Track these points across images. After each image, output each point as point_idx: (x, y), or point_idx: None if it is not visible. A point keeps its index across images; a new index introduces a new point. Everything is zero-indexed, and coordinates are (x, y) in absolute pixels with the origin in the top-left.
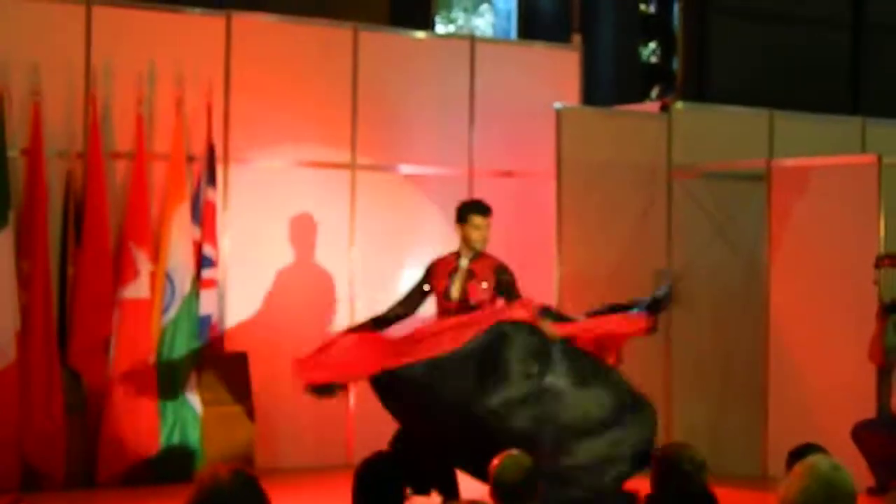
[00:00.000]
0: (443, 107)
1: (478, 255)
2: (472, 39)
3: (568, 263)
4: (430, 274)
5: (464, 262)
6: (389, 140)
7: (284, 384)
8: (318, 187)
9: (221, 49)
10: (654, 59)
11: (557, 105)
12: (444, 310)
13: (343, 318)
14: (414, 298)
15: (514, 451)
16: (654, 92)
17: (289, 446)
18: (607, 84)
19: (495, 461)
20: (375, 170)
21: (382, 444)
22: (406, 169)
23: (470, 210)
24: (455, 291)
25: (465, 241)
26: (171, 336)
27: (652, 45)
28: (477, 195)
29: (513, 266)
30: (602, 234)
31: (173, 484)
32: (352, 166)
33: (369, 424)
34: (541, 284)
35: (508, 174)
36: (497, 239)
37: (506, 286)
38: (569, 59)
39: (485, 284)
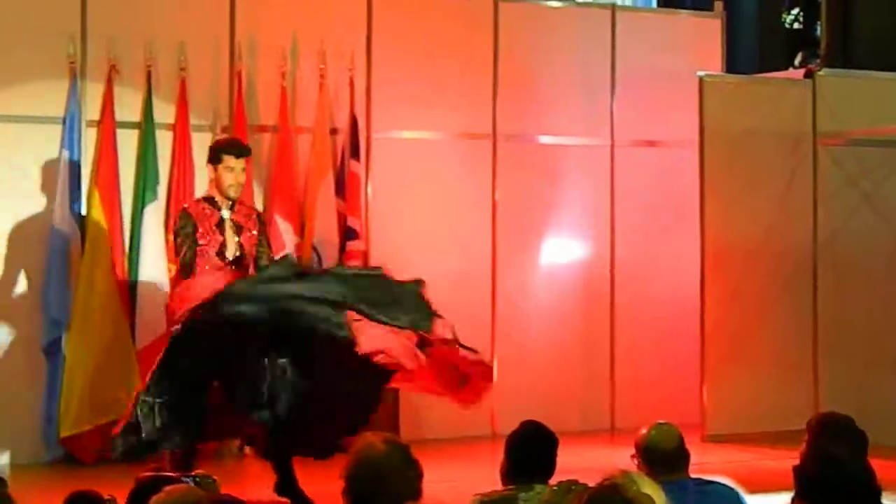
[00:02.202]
0: (584, 77)
1: (234, 203)
2: (613, 8)
3: (712, 234)
4: (194, 222)
5: (226, 214)
6: (530, 110)
7: None
8: (459, 158)
9: (363, 22)
10: (797, 26)
11: (700, 73)
12: (216, 268)
13: (485, 289)
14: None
15: (663, 420)
16: (798, 59)
17: (433, 417)
18: (750, 51)
19: (645, 429)
20: (516, 140)
21: (527, 413)
22: (547, 139)
23: (223, 150)
24: (232, 249)
25: (218, 185)
26: None
27: (795, 11)
28: (618, 165)
29: (655, 236)
30: (746, 204)
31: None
32: (493, 137)
33: (513, 394)
34: (684, 255)
35: (651, 144)
36: (640, 209)
37: (265, 235)
38: (711, 26)
39: (253, 234)
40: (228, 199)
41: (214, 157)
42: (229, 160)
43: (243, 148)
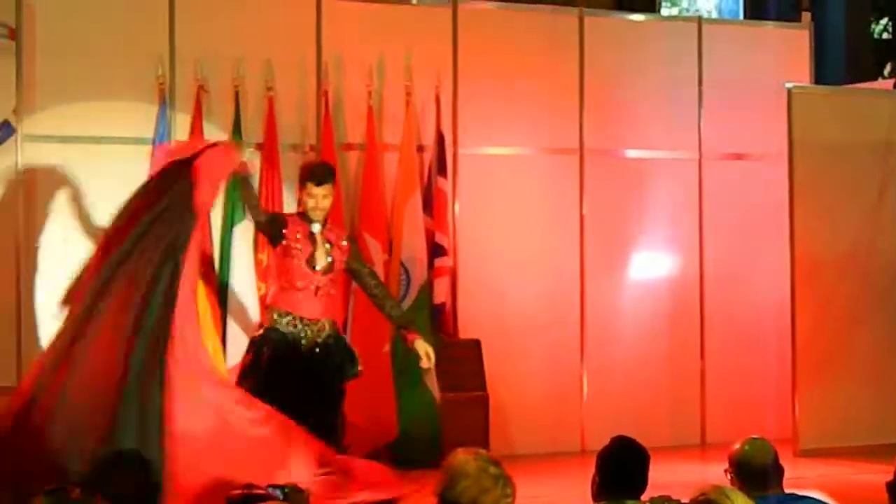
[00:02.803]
0: (670, 90)
1: (325, 223)
2: (700, 21)
3: (802, 247)
4: (284, 225)
5: (317, 228)
6: (617, 124)
7: (517, 371)
8: (546, 173)
9: (449, 38)
10: (885, 36)
11: (788, 85)
12: (302, 276)
13: (573, 304)
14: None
15: (755, 435)
16: (887, 69)
17: (522, 432)
18: (838, 62)
19: (738, 444)
20: (603, 154)
21: (616, 429)
22: (634, 153)
23: (305, 176)
24: (322, 260)
25: (303, 208)
26: None
27: (883, 21)
28: (706, 179)
29: (744, 249)
30: (837, 216)
31: (413, 470)
32: (580, 151)
33: (603, 409)
34: (774, 269)
35: (739, 157)
36: (728, 223)
37: (360, 254)
38: (799, 37)
39: (343, 245)
40: (318, 220)
41: (300, 179)
42: (311, 187)
43: (325, 175)
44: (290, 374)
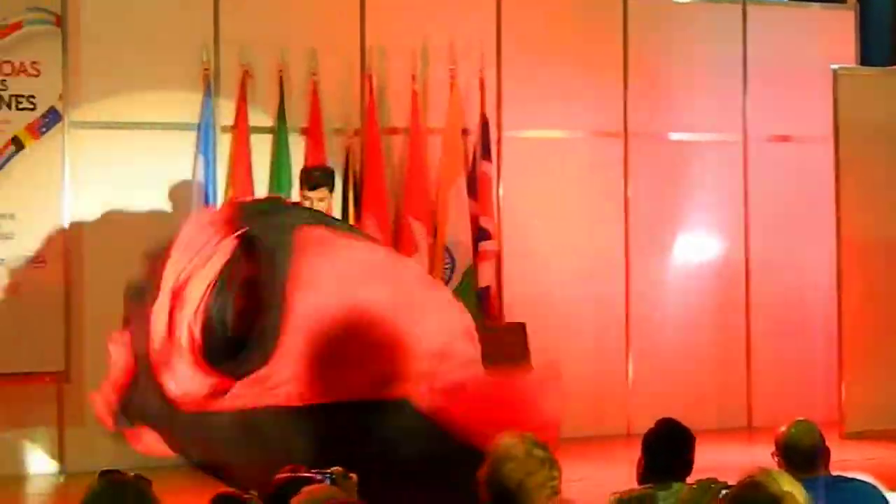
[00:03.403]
0: (715, 72)
1: None
2: (744, 2)
3: (848, 229)
4: None
5: None
6: (661, 107)
7: (563, 354)
8: (590, 156)
9: (492, 22)
10: None
11: (834, 66)
12: None
13: (619, 287)
14: None
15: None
16: None
17: (567, 415)
18: (884, 43)
19: (784, 427)
20: (648, 137)
21: (662, 412)
22: (678, 136)
23: (301, 181)
24: None
25: None
26: None
27: None
28: (751, 161)
29: (790, 232)
30: (883, 198)
31: None
32: (624, 134)
33: (648, 392)
34: (820, 252)
35: (784, 139)
36: (773, 205)
37: None
38: (844, 18)
39: None
40: None
41: (299, 182)
42: (305, 191)
43: (320, 179)
44: None
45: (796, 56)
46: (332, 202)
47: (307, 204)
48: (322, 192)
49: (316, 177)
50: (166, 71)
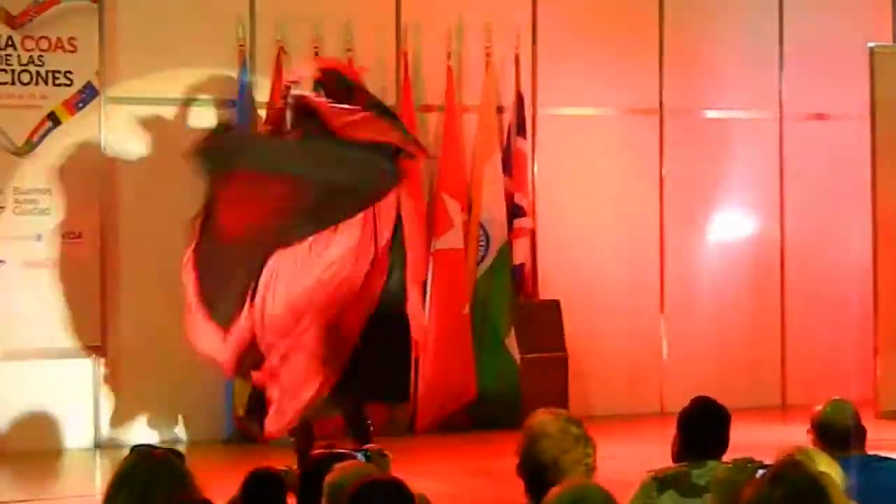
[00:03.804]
0: (751, 49)
1: None
2: None
3: (884, 208)
4: None
5: None
6: (697, 84)
7: (597, 331)
8: (625, 133)
9: (528, 0)
10: None
11: (871, 44)
12: None
13: (653, 264)
14: None
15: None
16: None
17: (601, 393)
18: None
19: (820, 406)
20: (683, 115)
21: (696, 390)
22: (714, 114)
23: None
24: None
25: None
26: (487, 285)
27: None
28: (787, 139)
29: (826, 210)
30: None
31: (492, 430)
32: (659, 112)
33: (682, 371)
34: (856, 230)
35: (820, 117)
36: (809, 183)
37: None
38: None
39: None
40: None
41: None
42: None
43: None
44: None
45: (833, 34)
46: None
47: None
48: None
49: None
50: (202, 47)
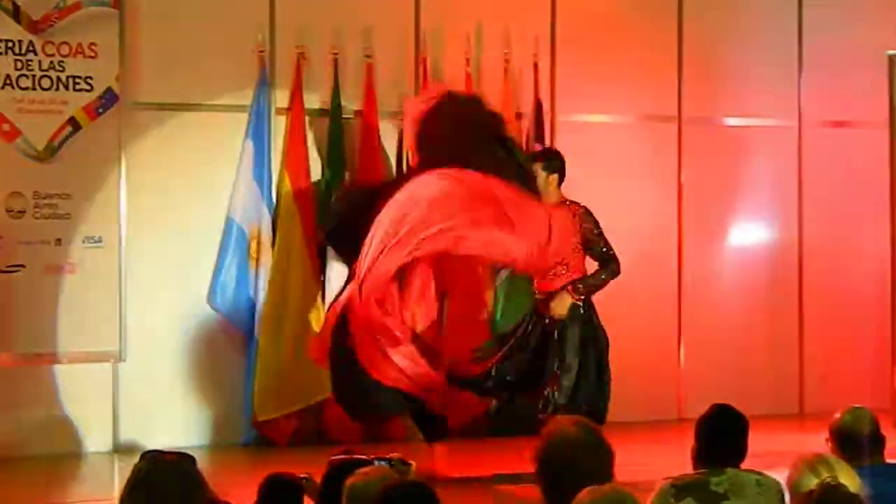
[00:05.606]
0: (770, 56)
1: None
2: None
3: None
4: None
5: None
6: (716, 92)
7: (614, 338)
8: (644, 141)
9: (547, 6)
10: None
11: (890, 52)
12: None
13: (671, 272)
14: None
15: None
16: None
17: (619, 400)
18: None
19: (839, 414)
20: (702, 122)
21: (714, 398)
22: (733, 121)
23: (534, 157)
24: None
25: None
26: (506, 293)
27: None
28: (806, 147)
29: (844, 218)
30: None
31: (512, 437)
32: (678, 119)
33: (700, 378)
34: (875, 238)
35: (839, 125)
36: (828, 191)
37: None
38: None
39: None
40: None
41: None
42: (537, 167)
43: (550, 162)
44: None
45: (852, 42)
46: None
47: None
48: (554, 177)
49: (548, 160)
50: (221, 53)
